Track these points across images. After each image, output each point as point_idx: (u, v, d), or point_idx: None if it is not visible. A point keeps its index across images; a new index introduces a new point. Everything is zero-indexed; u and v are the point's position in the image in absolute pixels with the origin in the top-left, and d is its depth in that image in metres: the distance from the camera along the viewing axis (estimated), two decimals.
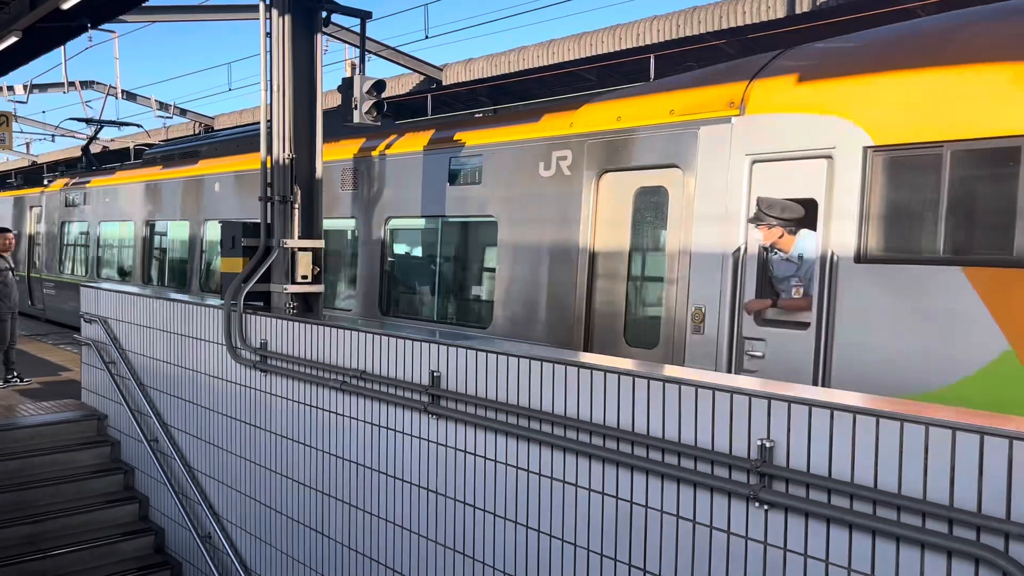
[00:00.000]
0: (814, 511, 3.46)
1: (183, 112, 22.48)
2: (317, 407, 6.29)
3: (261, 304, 7.39)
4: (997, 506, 2.99)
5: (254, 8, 7.53)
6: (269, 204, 7.37)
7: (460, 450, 5.12)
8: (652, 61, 14.02)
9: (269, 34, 7.30)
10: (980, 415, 3.23)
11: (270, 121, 7.35)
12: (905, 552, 3.22)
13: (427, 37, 17.04)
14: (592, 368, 4.36)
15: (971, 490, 3.05)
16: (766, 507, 3.63)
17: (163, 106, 21.67)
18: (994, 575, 2.99)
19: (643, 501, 4.13)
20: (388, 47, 16.04)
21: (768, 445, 3.59)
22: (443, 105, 18.25)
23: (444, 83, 17.31)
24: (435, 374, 5.25)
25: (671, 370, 4.35)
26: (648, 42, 13.77)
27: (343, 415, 6.04)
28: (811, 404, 3.49)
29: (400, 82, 18.23)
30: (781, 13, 12.03)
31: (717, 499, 3.82)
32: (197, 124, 23.21)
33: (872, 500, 3.30)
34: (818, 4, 11.46)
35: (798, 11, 11.80)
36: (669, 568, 4.02)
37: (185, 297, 8.47)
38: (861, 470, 3.34)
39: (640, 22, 13.97)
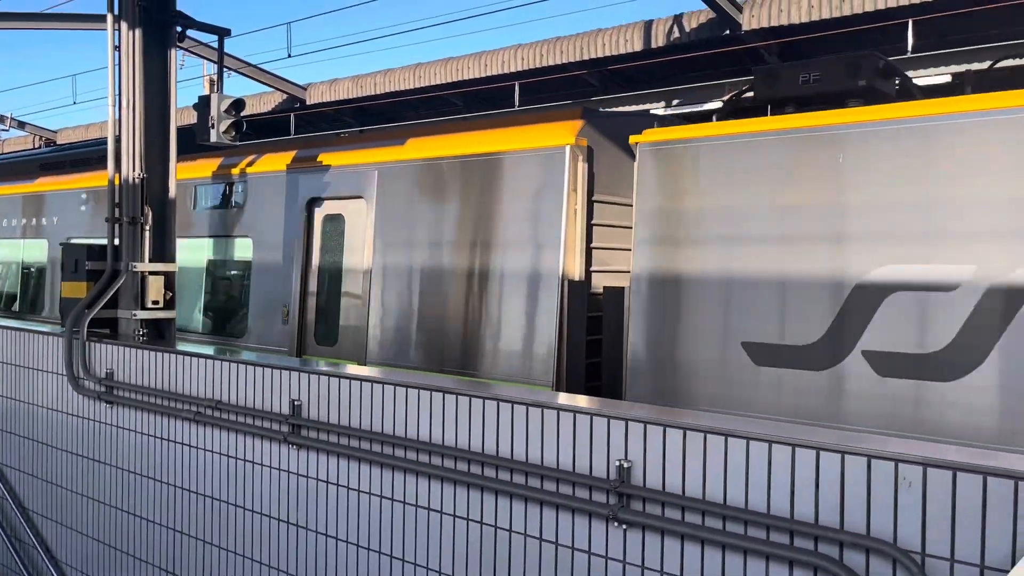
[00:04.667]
0: (669, 528, 3.59)
1: (21, 125, 20.98)
2: (169, 440, 5.96)
3: (107, 331, 6.96)
4: (832, 517, 3.21)
5: (102, 19, 7.13)
6: (117, 225, 6.97)
7: (323, 480, 4.98)
8: (517, 88, 14.31)
9: (118, 48, 6.94)
10: (818, 432, 3.45)
11: (118, 137, 6.98)
12: (752, 564, 3.39)
13: (290, 56, 16.67)
14: (457, 393, 4.36)
15: (809, 503, 3.26)
16: (624, 526, 3.73)
17: None
18: None
19: (507, 525, 4.15)
20: (249, 64, 15.60)
21: (626, 465, 3.71)
22: (307, 125, 17.89)
23: (308, 102, 16.98)
24: (296, 403, 5.10)
25: (533, 394, 4.41)
26: (513, 69, 14.06)
27: (197, 447, 5.75)
28: (665, 425, 3.63)
29: (262, 100, 17.76)
30: (639, 47, 12.58)
31: (578, 520, 3.90)
32: (37, 138, 21.70)
33: (722, 515, 3.46)
34: (672, 40, 12.06)
35: (654, 46, 12.38)
36: None
37: (18, 324, 7.85)
38: (712, 487, 3.50)
39: (505, 50, 14.26)
